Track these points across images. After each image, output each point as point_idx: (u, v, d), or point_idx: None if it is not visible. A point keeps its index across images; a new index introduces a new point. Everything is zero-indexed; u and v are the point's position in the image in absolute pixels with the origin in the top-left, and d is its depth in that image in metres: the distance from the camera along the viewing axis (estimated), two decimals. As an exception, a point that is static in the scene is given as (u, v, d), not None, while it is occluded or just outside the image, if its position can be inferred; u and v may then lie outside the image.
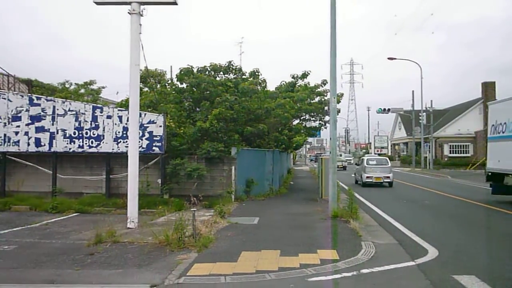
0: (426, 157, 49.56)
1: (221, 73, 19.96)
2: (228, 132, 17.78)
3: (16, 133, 15.65)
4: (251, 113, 18.75)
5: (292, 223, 11.94)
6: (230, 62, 19.80)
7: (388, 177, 24.52)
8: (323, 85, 22.89)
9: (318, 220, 12.49)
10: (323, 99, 22.77)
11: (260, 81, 20.41)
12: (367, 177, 24.63)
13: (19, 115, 15.64)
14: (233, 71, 20.12)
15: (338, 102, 22.57)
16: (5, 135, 15.65)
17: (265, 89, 20.70)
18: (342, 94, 24.66)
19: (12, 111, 15.67)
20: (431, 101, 62.56)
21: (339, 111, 22.94)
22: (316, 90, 22.97)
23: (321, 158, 18.42)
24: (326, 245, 9.20)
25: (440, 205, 16.66)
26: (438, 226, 12.11)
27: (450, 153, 51.21)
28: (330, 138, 14.24)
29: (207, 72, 19.35)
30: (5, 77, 24.81)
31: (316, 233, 10.69)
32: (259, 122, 18.86)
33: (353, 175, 29.98)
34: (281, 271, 7.14)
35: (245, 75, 20.37)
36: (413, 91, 50.95)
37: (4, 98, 15.76)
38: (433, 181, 30.09)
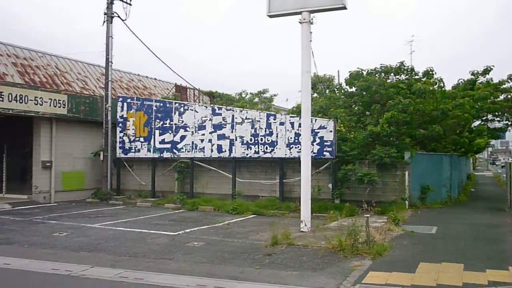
0: None
1: (392, 74, 19.27)
2: (401, 136, 17.05)
3: (202, 140, 17.44)
4: (426, 115, 17.68)
5: (475, 235, 10.89)
6: (401, 62, 19.00)
7: None
8: (509, 80, 20.40)
9: (508, 232, 11.17)
10: (509, 96, 20.30)
11: (436, 81, 19.08)
12: None
13: (204, 124, 17.40)
14: (405, 71, 19.25)
15: (530, 98, 19.92)
16: (192, 142, 17.57)
17: (442, 88, 19.27)
18: (534, 89, 21.64)
19: (198, 121, 17.52)
20: None
21: (530, 109, 20.22)
22: (501, 87, 20.58)
23: (510, 163, 16.44)
24: (519, 261, 8.16)
25: None
26: None
27: None
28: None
29: (377, 75, 18.88)
30: (191, 90, 27.85)
31: (506, 247, 9.58)
32: (435, 124, 17.65)
33: None
34: (466, 287, 6.55)
35: (417, 75, 19.31)
36: None
37: (192, 110, 17.72)
38: None
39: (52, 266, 7.86)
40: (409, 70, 19.20)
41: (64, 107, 18.25)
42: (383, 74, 19.00)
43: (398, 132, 16.92)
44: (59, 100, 18.04)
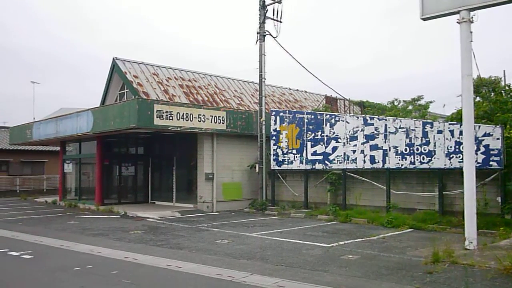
0: None
1: None
2: None
3: (353, 151, 17.21)
4: None
5: None
6: None
7: None
8: None
9: None
10: None
11: None
12: None
13: (355, 135, 17.17)
14: None
15: None
16: (344, 153, 17.46)
17: None
18: None
19: (349, 131, 17.35)
20: None
21: None
22: None
23: None
24: None
25: None
26: None
27: None
28: None
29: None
30: (341, 101, 27.76)
31: None
32: None
33: None
34: None
35: None
36: None
37: (343, 121, 17.65)
38: None
39: (216, 271, 8.47)
40: None
41: (223, 123, 19.67)
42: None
43: None
44: (218, 116, 19.51)
